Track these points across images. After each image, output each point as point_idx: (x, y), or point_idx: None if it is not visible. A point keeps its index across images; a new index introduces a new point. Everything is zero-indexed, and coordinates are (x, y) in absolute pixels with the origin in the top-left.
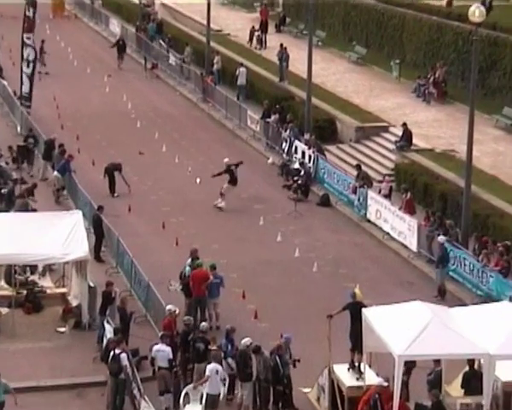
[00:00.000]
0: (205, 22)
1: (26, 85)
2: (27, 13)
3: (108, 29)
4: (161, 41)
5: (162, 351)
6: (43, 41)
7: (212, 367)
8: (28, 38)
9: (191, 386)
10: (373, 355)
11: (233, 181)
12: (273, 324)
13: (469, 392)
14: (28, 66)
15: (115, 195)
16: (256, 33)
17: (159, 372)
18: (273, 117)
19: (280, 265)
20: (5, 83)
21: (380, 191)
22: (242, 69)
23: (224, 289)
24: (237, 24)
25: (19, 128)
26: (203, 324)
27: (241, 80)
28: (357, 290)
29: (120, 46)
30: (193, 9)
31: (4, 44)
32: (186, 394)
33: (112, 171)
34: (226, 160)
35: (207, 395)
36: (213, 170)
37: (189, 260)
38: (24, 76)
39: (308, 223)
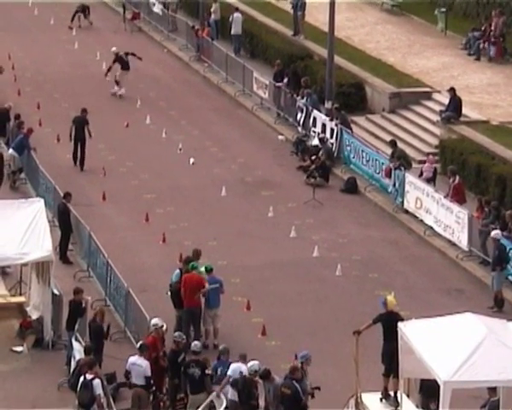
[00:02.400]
0: None
1: None
2: None
3: None
4: None
5: (138, 365)
6: None
7: (235, 367)
8: None
9: (214, 394)
10: (412, 382)
11: (125, 67)
12: (285, 342)
13: None
14: None
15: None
16: None
17: (133, 391)
18: (285, 80)
19: (294, 267)
20: None
21: (421, 174)
22: (237, 15)
23: (224, 297)
24: None
25: None
26: (195, 343)
27: (236, 29)
28: (389, 297)
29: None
30: None
31: None
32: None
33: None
34: (114, 49)
35: (230, 401)
36: (211, 148)
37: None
38: None
39: (330, 214)
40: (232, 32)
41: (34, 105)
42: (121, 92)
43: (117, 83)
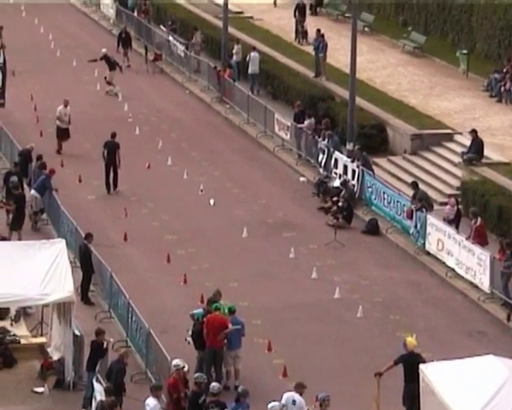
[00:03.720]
0: (221, 2)
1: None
2: None
3: (100, 11)
4: (162, 27)
5: (147, 405)
6: (0, 27)
7: (288, 396)
8: None
9: None
10: None
11: (112, 67)
12: (306, 383)
13: None
14: None
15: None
16: (303, 25)
17: None
18: (307, 122)
19: (315, 309)
20: None
21: (447, 218)
22: (254, 54)
23: (245, 338)
24: (262, 5)
25: None
26: (214, 384)
27: (253, 68)
28: (409, 338)
29: (124, 39)
30: None
31: None
32: None
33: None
34: (104, 50)
35: None
36: (232, 189)
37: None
38: None
39: (351, 256)
40: (249, 71)
41: (56, 146)
42: (116, 90)
43: (109, 83)
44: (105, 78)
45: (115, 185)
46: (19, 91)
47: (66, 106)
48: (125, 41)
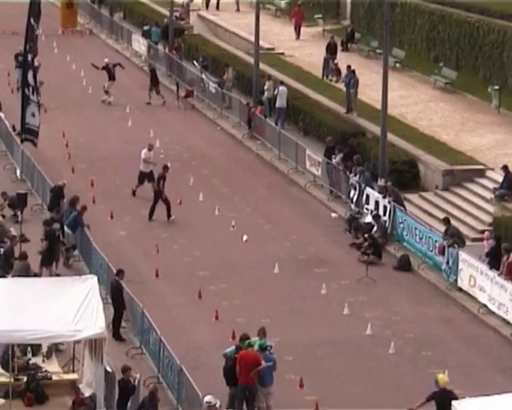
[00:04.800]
0: (252, 39)
1: (37, 117)
2: (35, 30)
3: (131, 48)
4: (194, 62)
5: None
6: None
7: None
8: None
9: None
10: None
11: (112, 78)
12: None
13: None
14: (33, 92)
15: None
16: (334, 61)
17: None
18: (338, 157)
19: (347, 345)
20: (1, 115)
21: (486, 255)
22: (282, 88)
23: (277, 375)
24: (294, 41)
25: (18, 172)
26: None
27: (281, 102)
28: (440, 375)
29: (153, 76)
30: (237, 23)
31: (1, 67)
32: None
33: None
34: (106, 60)
35: None
36: (264, 225)
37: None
38: (32, 105)
39: (383, 292)
40: (277, 104)
41: (88, 182)
42: (110, 100)
43: (106, 92)
44: (104, 86)
45: (168, 215)
46: (51, 128)
47: (150, 149)
48: (152, 78)
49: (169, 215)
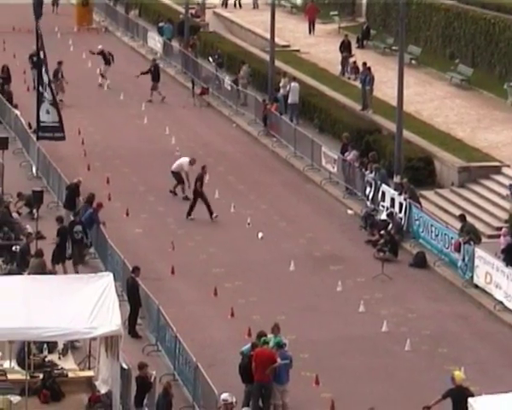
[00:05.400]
0: (268, 36)
1: (53, 113)
2: (39, 29)
3: (147, 45)
4: (210, 58)
5: None
6: (60, 63)
7: None
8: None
9: None
10: None
11: (107, 62)
12: None
13: None
14: (48, 89)
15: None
16: (351, 59)
17: None
18: (352, 154)
19: (363, 342)
20: (18, 113)
21: (502, 251)
22: (294, 84)
23: (293, 372)
24: (309, 38)
25: (34, 169)
26: None
27: (294, 98)
28: (457, 372)
29: (154, 73)
30: (253, 20)
31: (17, 64)
32: None
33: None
34: (100, 46)
35: None
36: (279, 222)
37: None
38: (46, 102)
39: (399, 289)
40: (289, 101)
41: (103, 180)
42: (107, 83)
43: (102, 76)
44: (99, 70)
45: (211, 215)
46: (67, 125)
47: (192, 164)
48: (154, 74)
49: (211, 213)
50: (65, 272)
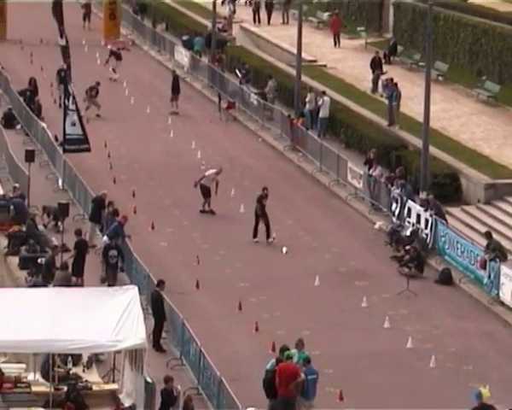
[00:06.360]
0: (294, 50)
1: (77, 126)
2: (60, 42)
3: (174, 59)
4: (237, 71)
5: None
6: (98, 83)
7: None
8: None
9: None
10: None
11: (118, 58)
12: None
13: None
14: (73, 101)
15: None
16: (382, 77)
17: None
18: (378, 170)
19: (387, 358)
20: (44, 125)
21: None
22: (326, 98)
23: (317, 387)
24: (336, 53)
25: (60, 182)
26: None
27: (325, 112)
28: (483, 390)
29: (174, 83)
30: (280, 35)
31: (44, 77)
32: None
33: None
34: (109, 46)
35: None
36: (304, 237)
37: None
38: (72, 114)
39: (424, 305)
40: (320, 115)
41: (129, 193)
42: (116, 77)
43: (114, 70)
44: (106, 62)
45: (268, 236)
46: (93, 138)
47: (218, 174)
48: (175, 85)
49: (268, 235)
50: (82, 286)
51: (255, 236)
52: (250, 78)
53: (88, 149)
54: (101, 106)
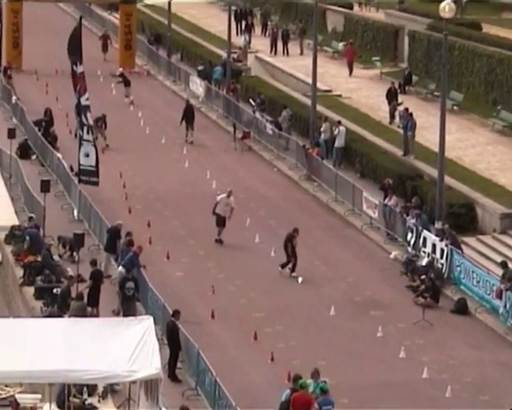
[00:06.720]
0: (309, 80)
1: (92, 157)
2: (75, 69)
3: (189, 89)
4: (251, 100)
5: None
6: (104, 116)
7: None
8: (86, 99)
9: None
10: None
11: (127, 84)
12: None
13: None
14: (88, 132)
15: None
16: (399, 107)
17: None
18: (393, 199)
19: (403, 388)
20: (59, 156)
21: None
22: (342, 128)
23: None
24: (351, 82)
25: (75, 212)
26: None
27: (340, 142)
28: None
29: (187, 113)
30: (295, 65)
31: (59, 107)
32: None
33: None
34: (120, 70)
35: None
36: (320, 267)
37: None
38: (86, 145)
39: (440, 335)
40: (336, 144)
41: (144, 223)
42: (131, 99)
43: (126, 96)
44: (124, 92)
45: (292, 270)
46: (108, 169)
47: (229, 196)
48: (189, 115)
49: (293, 270)
50: (97, 316)
51: (283, 267)
52: (265, 107)
53: (96, 183)
54: (106, 137)
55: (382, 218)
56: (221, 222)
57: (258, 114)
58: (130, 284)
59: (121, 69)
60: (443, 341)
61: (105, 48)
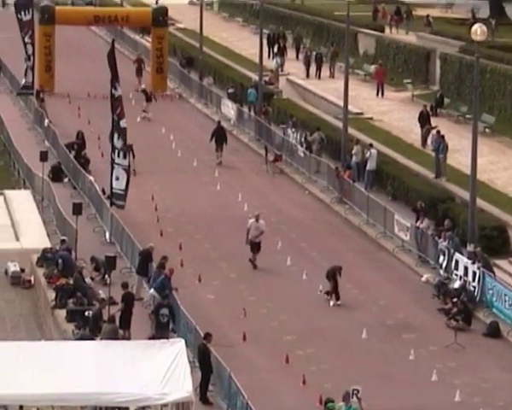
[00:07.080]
0: (341, 103)
1: (122, 180)
2: (113, 92)
3: (220, 112)
4: (282, 125)
5: None
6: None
7: None
8: (125, 122)
9: None
10: None
11: (148, 100)
12: None
13: None
14: (124, 156)
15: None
16: (433, 131)
17: None
18: (425, 222)
19: None
20: (92, 179)
21: None
22: (373, 151)
23: None
24: (382, 105)
25: (107, 235)
26: None
27: (372, 165)
28: None
29: (218, 134)
30: (326, 88)
31: (91, 130)
32: None
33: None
34: (143, 86)
35: None
36: (351, 290)
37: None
38: (118, 168)
39: (472, 358)
40: (368, 167)
41: (176, 246)
42: (149, 116)
43: (144, 111)
44: (143, 107)
45: (337, 299)
46: (140, 191)
47: (257, 220)
48: (219, 135)
49: (331, 294)
50: (129, 339)
51: (338, 298)
52: (298, 130)
53: (122, 207)
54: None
55: (414, 240)
56: (255, 247)
57: (289, 131)
58: (165, 311)
59: (143, 85)
60: (475, 364)
61: (139, 72)
